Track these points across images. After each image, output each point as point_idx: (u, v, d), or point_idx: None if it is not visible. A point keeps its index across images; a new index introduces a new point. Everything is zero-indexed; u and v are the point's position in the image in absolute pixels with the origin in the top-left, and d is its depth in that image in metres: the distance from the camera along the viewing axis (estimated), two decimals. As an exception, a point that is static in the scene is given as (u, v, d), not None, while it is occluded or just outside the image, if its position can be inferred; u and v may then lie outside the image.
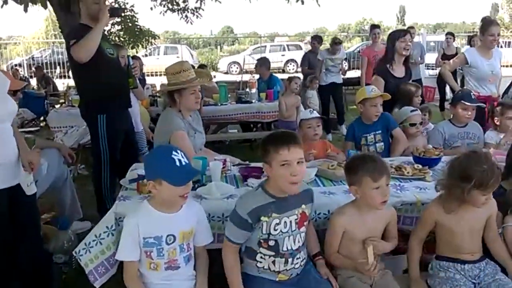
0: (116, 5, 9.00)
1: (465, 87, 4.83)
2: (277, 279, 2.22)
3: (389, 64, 4.42)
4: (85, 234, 2.55)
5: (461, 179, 2.18)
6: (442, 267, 2.35)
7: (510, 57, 14.66)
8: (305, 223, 2.24)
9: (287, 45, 23.03)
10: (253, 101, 6.44)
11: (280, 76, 8.47)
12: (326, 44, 10.84)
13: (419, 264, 2.41)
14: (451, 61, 5.15)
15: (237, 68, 20.84)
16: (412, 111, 3.89)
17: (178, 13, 9.71)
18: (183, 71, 3.29)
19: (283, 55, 21.86)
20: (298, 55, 21.79)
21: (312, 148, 3.48)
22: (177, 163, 2.05)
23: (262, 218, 2.12)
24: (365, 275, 2.28)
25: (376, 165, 2.23)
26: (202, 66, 8.62)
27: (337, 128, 8.02)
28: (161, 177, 2.05)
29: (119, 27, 9.79)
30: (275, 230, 2.15)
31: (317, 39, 8.56)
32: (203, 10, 9.57)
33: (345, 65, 7.85)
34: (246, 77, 8.19)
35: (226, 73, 21.19)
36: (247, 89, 6.60)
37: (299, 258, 2.26)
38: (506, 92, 7.77)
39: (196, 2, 9.39)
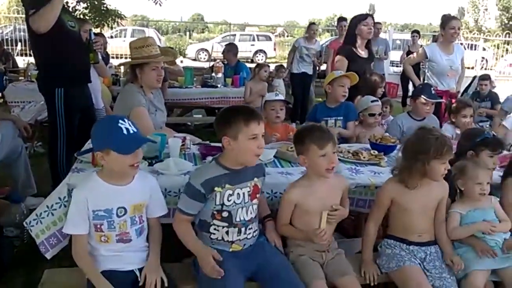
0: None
1: (425, 82, 4.96)
2: (231, 250, 2.24)
3: (352, 45, 4.50)
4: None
5: (419, 152, 2.30)
6: (389, 245, 2.44)
7: (472, 60, 15.18)
8: (257, 195, 2.27)
9: (257, 35, 23.02)
10: (219, 85, 6.41)
11: (249, 65, 8.44)
12: (296, 37, 10.85)
13: (372, 247, 2.48)
14: (412, 55, 5.27)
15: (205, 55, 20.67)
16: (372, 101, 3.95)
17: (146, -6, 9.52)
18: (147, 46, 3.24)
19: (252, 45, 21.83)
20: (268, 46, 21.89)
21: (275, 131, 3.51)
22: (124, 132, 2.01)
23: (216, 188, 2.14)
24: (317, 253, 2.33)
25: (322, 134, 2.29)
26: (169, 48, 8.48)
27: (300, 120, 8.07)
28: (109, 146, 2.01)
29: (85, 5, 9.51)
30: (228, 201, 2.17)
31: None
32: (173, -8, 9.42)
33: (320, 58, 7.89)
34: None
35: (195, 59, 20.98)
36: (213, 74, 6.56)
37: (251, 228, 2.29)
38: (465, 91, 8.06)
39: (166, -16, 9.25)
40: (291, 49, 8.17)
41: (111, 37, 17.68)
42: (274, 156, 2.97)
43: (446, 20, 4.74)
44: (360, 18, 4.48)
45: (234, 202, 2.19)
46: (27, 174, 3.75)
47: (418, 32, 10.05)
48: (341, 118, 3.80)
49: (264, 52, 21.88)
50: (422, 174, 2.33)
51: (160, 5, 9.48)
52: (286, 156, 2.98)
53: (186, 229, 2.21)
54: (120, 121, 2.04)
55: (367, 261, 2.43)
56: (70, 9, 8.79)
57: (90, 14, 9.48)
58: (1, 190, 3.80)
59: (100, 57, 4.42)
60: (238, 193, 2.20)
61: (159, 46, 3.51)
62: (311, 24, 8.08)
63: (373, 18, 4.58)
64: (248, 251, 2.27)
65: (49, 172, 3.89)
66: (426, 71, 5.07)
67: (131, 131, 2.03)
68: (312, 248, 2.34)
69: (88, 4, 9.42)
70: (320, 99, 7.90)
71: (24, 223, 2.35)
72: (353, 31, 4.51)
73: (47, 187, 3.86)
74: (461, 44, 16.18)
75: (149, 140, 2.23)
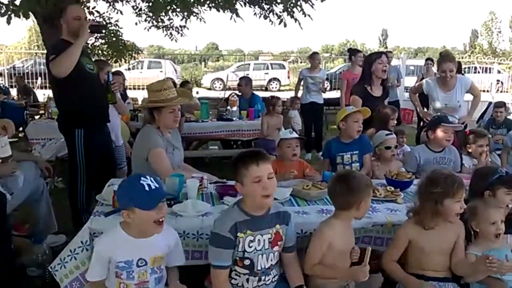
0: (101, 20, 9.01)
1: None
2: None
3: (367, 85, 4.53)
4: (59, 248, 2.57)
5: (431, 192, 2.37)
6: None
7: (487, 83, 15.13)
8: (278, 243, 2.29)
9: (271, 64, 23.28)
10: (234, 118, 6.50)
11: (263, 94, 8.54)
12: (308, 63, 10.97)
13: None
14: (413, 86, 5.23)
15: (220, 84, 20.96)
16: (387, 134, 3.97)
17: (162, 30, 9.74)
18: (164, 90, 3.35)
19: (266, 73, 22.09)
20: (281, 74, 22.12)
21: (290, 168, 3.55)
22: (146, 188, 2.08)
23: (239, 234, 2.18)
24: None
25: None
26: (185, 82, 8.65)
27: (316, 148, 8.09)
28: (132, 204, 2.08)
29: (103, 41, 9.78)
30: (249, 247, 2.21)
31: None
32: (187, 28, 9.63)
33: (327, 85, 7.91)
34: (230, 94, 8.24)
35: (210, 89, 21.28)
36: (229, 107, 6.66)
37: (271, 275, 2.32)
38: (481, 117, 8.01)
39: (181, 20, 9.45)
40: (298, 81, 8.24)
41: (129, 69, 18.03)
42: (291, 195, 3.00)
43: (439, 62, 4.68)
44: (375, 57, 4.53)
45: (255, 248, 2.22)
46: (49, 213, 3.82)
47: (431, 59, 10.05)
48: (357, 152, 3.82)
49: (278, 80, 22.09)
50: (435, 214, 2.37)
51: (176, 41, 9.70)
52: (302, 194, 3.00)
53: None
54: (142, 178, 2.12)
55: (419, 283, 2.41)
56: (89, 46, 9.05)
57: (108, 50, 9.74)
58: (22, 229, 3.88)
59: (118, 95, 4.55)
60: (259, 240, 2.22)
61: (175, 83, 3.59)
62: (314, 53, 8.12)
63: (387, 55, 4.61)
64: None
65: (69, 208, 3.98)
66: (429, 103, 5.02)
67: (153, 187, 2.10)
68: (336, 285, 2.37)
69: (106, 40, 9.68)
70: (334, 126, 7.95)
71: (49, 267, 2.42)
72: (369, 70, 4.54)
73: (67, 224, 3.95)
74: (475, 68, 16.19)
75: (168, 194, 2.30)
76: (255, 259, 2.23)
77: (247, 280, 2.26)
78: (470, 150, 4.02)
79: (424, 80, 5.00)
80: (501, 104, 6.64)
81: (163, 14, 9.17)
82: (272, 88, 21.37)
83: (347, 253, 2.38)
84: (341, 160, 3.80)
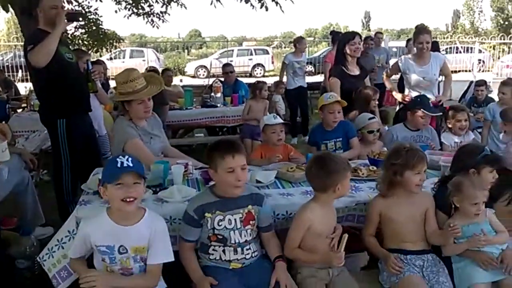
0: (79, 9, 8.89)
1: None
2: (231, 267, 2.39)
3: (343, 65, 4.58)
4: (47, 240, 2.58)
5: (392, 162, 2.51)
6: None
7: (468, 62, 15.29)
8: (251, 222, 2.40)
9: (254, 50, 23.21)
10: (218, 105, 6.51)
11: (248, 80, 8.54)
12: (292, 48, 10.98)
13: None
14: (387, 70, 5.24)
15: (204, 72, 20.84)
16: (370, 118, 4.01)
17: (143, 17, 9.66)
18: (130, 81, 3.25)
19: (250, 59, 22.00)
20: (265, 60, 22.09)
21: (275, 152, 3.57)
22: (118, 165, 2.07)
23: (206, 214, 2.32)
24: (323, 271, 2.40)
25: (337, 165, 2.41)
26: (165, 70, 8.58)
27: (302, 133, 8.14)
28: (104, 179, 2.12)
29: (83, 31, 9.66)
30: (219, 225, 2.34)
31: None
32: (169, 14, 9.57)
33: (310, 68, 7.97)
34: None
35: (194, 76, 21.14)
36: (212, 94, 6.66)
37: (250, 249, 2.42)
38: (463, 96, 8.12)
39: (162, 6, 9.39)
40: (282, 66, 8.23)
41: (110, 58, 17.87)
42: (276, 177, 3.04)
43: (416, 34, 4.73)
44: (348, 38, 4.57)
45: (225, 227, 2.35)
46: (35, 205, 3.82)
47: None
48: (340, 139, 3.83)
49: (262, 66, 22.05)
50: (396, 184, 2.51)
51: (158, 28, 9.63)
52: (287, 176, 3.05)
53: (188, 257, 2.37)
54: (120, 156, 2.13)
55: (387, 256, 2.47)
56: (69, 36, 8.93)
57: (88, 39, 9.62)
58: (10, 221, 3.87)
59: (99, 85, 4.52)
60: (229, 219, 2.35)
61: (156, 70, 3.52)
62: (301, 38, 8.12)
63: (360, 37, 4.64)
64: (248, 269, 2.39)
65: (56, 200, 3.97)
66: (405, 83, 5.06)
67: (125, 165, 2.07)
68: (319, 266, 2.41)
69: (86, 30, 9.56)
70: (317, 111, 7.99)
71: (37, 258, 2.43)
72: (342, 50, 4.60)
73: (54, 215, 3.94)
74: (457, 47, 16.34)
75: (139, 172, 2.16)
76: (227, 234, 2.36)
77: (224, 251, 2.38)
78: (450, 126, 4.09)
79: (399, 59, 5.03)
80: (482, 83, 6.74)
81: (143, 1, 9.10)
82: (257, 74, 21.32)
83: (326, 235, 2.42)
84: (325, 148, 3.82)
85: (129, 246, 2.15)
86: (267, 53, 22.90)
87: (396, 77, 5.74)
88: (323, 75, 8.30)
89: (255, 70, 21.82)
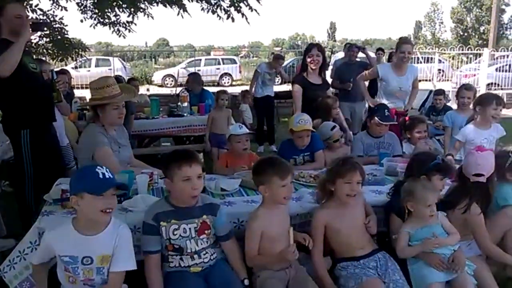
0: (44, 18, 8.74)
1: (376, 99, 5.13)
2: (191, 271, 2.44)
3: (305, 73, 4.73)
4: (8, 252, 2.54)
5: (329, 169, 2.70)
6: (343, 267, 2.62)
7: (429, 72, 15.78)
8: (206, 232, 2.45)
9: (222, 59, 23.27)
10: (185, 114, 6.52)
11: (216, 89, 8.57)
12: (261, 58, 11.10)
13: (326, 271, 2.64)
14: (365, 72, 5.38)
15: (172, 81, 20.73)
16: (332, 128, 4.12)
17: (109, 27, 9.56)
18: (107, 87, 3.32)
19: (218, 69, 22.06)
20: (233, 69, 22.18)
21: (240, 161, 3.64)
22: (100, 175, 2.10)
23: (162, 223, 2.36)
24: (282, 272, 2.48)
25: (283, 166, 2.51)
26: (131, 79, 8.55)
27: (268, 141, 8.23)
28: (83, 189, 2.09)
29: (47, 40, 9.48)
30: (174, 234, 2.39)
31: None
32: (135, 24, 9.50)
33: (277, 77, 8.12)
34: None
35: (161, 86, 21.01)
36: (179, 103, 6.67)
37: (207, 253, 2.47)
38: (422, 105, 8.39)
39: (128, 16, 9.32)
40: (254, 75, 8.35)
41: (76, 67, 17.57)
42: (240, 186, 3.10)
43: (399, 43, 4.97)
44: (307, 50, 4.75)
45: (180, 235, 2.39)
46: (-4, 216, 3.74)
47: (382, 49, 10.33)
48: (308, 153, 3.89)
49: (230, 75, 22.13)
50: (330, 193, 2.64)
51: (124, 37, 9.55)
52: (251, 184, 3.10)
53: (153, 277, 2.36)
54: (99, 167, 2.15)
55: (331, 285, 2.56)
56: (33, 45, 8.76)
57: (53, 49, 9.45)
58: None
59: (62, 95, 4.46)
60: (184, 228, 2.40)
61: (122, 79, 3.54)
62: (280, 58, 8.29)
63: (318, 48, 4.76)
64: (209, 270, 2.46)
65: (18, 211, 3.90)
66: (379, 89, 5.26)
67: (107, 176, 2.12)
68: (277, 267, 2.49)
69: (51, 39, 9.40)
70: (285, 119, 8.12)
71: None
72: (304, 61, 4.78)
73: (16, 227, 3.87)
74: (418, 58, 16.84)
75: (121, 183, 2.28)
76: (183, 244, 2.41)
77: (181, 259, 2.43)
78: (409, 136, 4.24)
79: (377, 66, 5.26)
80: (440, 92, 6.99)
81: (109, 10, 9.03)
82: (224, 83, 21.37)
83: (282, 237, 2.48)
84: (294, 162, 3.85)
85: (94, 256, 2.16)
86: (235, 62, 23.00)
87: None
88: (290, 84, 8.44)
89: (223, 80, 21.87)
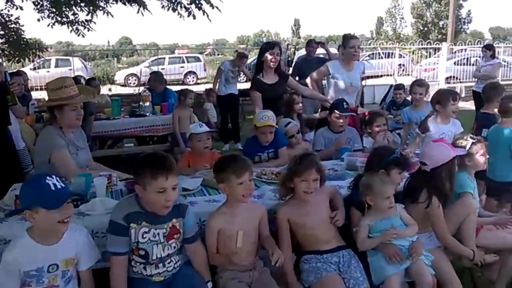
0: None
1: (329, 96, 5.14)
2: (153, 280, 2.36)
3: (260, 75, 4.65)
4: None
5: (287, 171, 2.73)
6: (306, 260, 2.65)
7: (390, 67, 16.10)
8: (175, 236, 2.37)
9: (186, 57, 23.05)
10: (147, 114, 6.43)
11: (180, 88, 8.49)
12: (227, 56, 11.08)
13: (293, 269, 2.65)
14: (315, 72, 5.31)
15: (135, 80, 20.39)
16: (286, 124, 4.14)
17: (67, 26, 9.32)
18: (65, 87, 3.24)
19: (182, 67, 21.83)
20: (197, 67, 22.01)
21: (202, 160, 3.61)
22: (52, 187, 2.04)
23: (132, 224, 2.25)
24: (244, 274, 2.47)
25: (240, 163, 2.47)
26: (90, 79, 8.36)
27: (234, 139, 8.23)
28: (36, 203, 2.02)
29: (3, 40, 9.17)
30: (143, 238, 2.28)
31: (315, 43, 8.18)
32: (94, 23, 9.30)
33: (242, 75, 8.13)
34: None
35: (124, 85, 20.66)
36: (141, 103, 6.57)
37: (171, 261, 2.40)
38: (383, 100, 8.56)
39: (87, 14, 9.10)
40: (217, 73, 8.32)
41: (34, 68, 17.08)
42: (202, 185, 3.08)
43: (346, 39, 4.96)
44: (267, 48, 4.62)
45: (149, 239, 2.30)
46: None
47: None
48: (272, 150, 3.87)
49: (195, 73, 21.96)
50: (290, 189, 2.67)
51: (83, 36, 9.33)
52: (213, 183, 3.07)
53: (117, 278, 2.27)
54: (48, 178, 2.07)
55: (292, 284, 2.58)
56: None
57: (8, 50, 9.15)
58: None
59: (16, 98, 4.33)
60: (154, 233, 2.30)
61: (81, 79, 3.46)
62: (244, 56, 8.26)
63: (279, 47, 4.72)
64: (171, 279, 2.40)
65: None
66: (327, 86, 5.20)
67: (59, 186, 2.06)
68: (239, 270, 2.48)
69: (7, 39, 9.09)
70: (250, 116, 8.12)
71: None
72: (260, 60, 4.64)
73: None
74: (379, 53, 17.16)
75: (75, 193, 2.25)
76: (150, 249, 2.31)
77: (144, 268, 2.35)
78: (369, 131, 4.31)
79: (327, 63, 5.17)
80: (400, 87, 7.14)
81: (67, 9, 8.80)
82: (189, 81, 21.17)
83: (244, 236, 2.46)
84: (259, 159, 3.83)
85: (59, 261, 2.14)
86: (199, 60, 22.84)
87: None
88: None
89: (188, 78, 21.66)
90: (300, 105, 4.71)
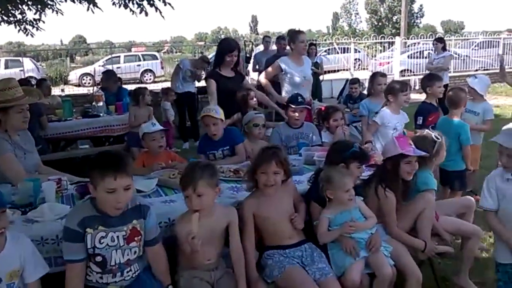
0: None
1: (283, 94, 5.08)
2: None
3: (218, 68, 4.64)
4: None
5: (251, 164, 2.77)
6: (269, 256, 2.63)
7: (346, 62, 16.36)
8: (136, 239, 2.27)
9: (142, 55, 22.62)
10: (101, 114, 6.24)
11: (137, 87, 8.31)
12: (185, 53, 10.88)
13: (255, 265, 2.61)
14: (267, 69, 5.28)
15: (90, 80, 19.85)
16: (256, 113, 4.12)
17: (14, 25, 8.94)
18: (9, 89, 3.10)
19: (138, 65, 21.41)
20: (154, 65, 21.66)
21: (157, 160, 3.51)
22: None
23: (88, 229, 2.14)
24: (206, 273, 2.43)
25: (185, 177, 2.43)
26: (41, 80, 8.02)
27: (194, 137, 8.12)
28: None
29: None
30: (100, 243, 2.17)
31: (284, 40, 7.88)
32: (43, 22, 8.96)
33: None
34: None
35: (78, 85, 20.07)
36: (94, 103, 6.37)
37: (130, 271, 2.30)
38: (340, 94, 8.66)
39: (35, 13, 8.75)
40: (175, 70, 8.20)
41: (-19, 70, 16.37)
42: (157, 185, 3.00)
43: (294, 35, 4.99)
44: (226, 50, 4.59)
45: (107, 244, 2.19)
46: None
47: (314, 44, 10.39)
48: (228, 147, 3.77)
49: (152, 72, 21.61)
50: (254, 181, 2.66)
51: (32, 36, 8.98)
52: (169, 183, 3.02)
53: (75, 284, 2.17)
54: None
55: (254, 280, 2.54)
56: None
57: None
58: None
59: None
60: (112, 237, 2.19)
61: (33, 78, 3.27)
62: (207, 62, 8.16)
63: (239, 49, 4.72)
64: (128, 287, 2.30)
65: None
66: (281, 83, 5.17)
67: None
68: (201, 269, 2.43)
69: None
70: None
71: None
72: (221, 57, 4.61)
73: None
74: (335, 49, 17.40)
75: (9, 203, 2.17)
76: (108, 255, 2.20)
77: (101, 277, 2.24)
78: (327, 126, 4.33)
79: (277, 61, 5.15)
80: (355, 81, 7.23)
81: (13, 8, 8.45)
82: (146, 80, 20.83)
83: (205, 239, 2.39)
84: (214, 157, 3.74)
85: (3, 274, 2.02)
86: (156, 58, 22.48)
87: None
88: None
89: (145, 76, 21.30)
90: (255, 100, 4.68)
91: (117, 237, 2.20)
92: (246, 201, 2.69)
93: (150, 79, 21.11)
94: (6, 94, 3.08)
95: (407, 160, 2.82)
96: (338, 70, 15.65)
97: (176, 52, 34.50)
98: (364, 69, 16.93)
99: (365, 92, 7.55)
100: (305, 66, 5.07)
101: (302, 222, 2.71)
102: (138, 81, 19.84)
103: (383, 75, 5.31)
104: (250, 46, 13.69)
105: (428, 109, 4.50)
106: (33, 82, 8.40)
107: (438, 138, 3.18)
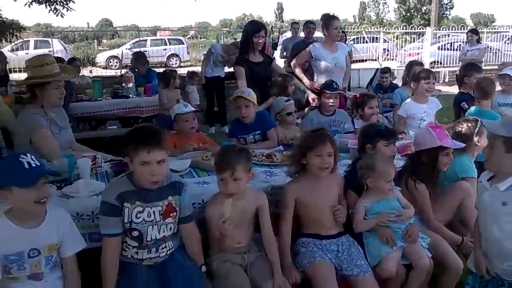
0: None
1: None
2: (144, 264, 2.27)
3: (245, 54, 4.57)
4: None
5: (297, 144, 2.67)
6: (303, 243, 2.57)
7: (375, 52, 16.10)
8: (171, 214, 2.27)
9: (169, 40, 22.67)
10: (131, 95, 6.26)
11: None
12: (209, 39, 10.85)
13: (289, 250, 2.56)
14: (297, 57, 5.17)
15: (117, 62, 19.99)
16: (286, 101, 4.03)
17: (45, 5, 9.02)
18: (47, 65, 3.10)
19: (164, 50, 21.48)
20: (180, 50, 21.68)
21: (189, 141, 3.49)
22: (26, 166, 1.95)
23: (125, 204, 2.15)
24: (238, 256, 2.40)
25: (222, 160, 2.39)
26: (72, 60, 8.12)
27: (220, 122, 8.10)
28: (10, 182, 1.94)
29: (-22, 20, 8.87)
30: (137, 218, 2.18)
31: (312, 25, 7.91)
32: (73, 2, 9.02)
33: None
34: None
35: (106, 68, 20.23)
36: (124, 84, 6.39)
37: (165, 247, 2.30)
38: (370, 83, 8.51)
39: (66, -7, 8.83)
40: (206, 54, 8.16)
41: (13, 50, 16.64)
42: (190, 166, 2.97)
43: (329, 20, 4.86)
44: (253, 31, 4.52)
45: (144, 220, 2.20)
46: None
47: (343, 31, 10.27)
48: (259, 132, 3.72)
49: (178, 56, 21.64)
50: (305, 168, 2.56)
51: (62, 16, 9.04)
52: (203, 165, 2.99)
53: (113, 261, 2.19)
54: (22, 156, 1.98)
55: (288, 266, 2.49)
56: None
57: (-16, 29, 8.85)
58: None
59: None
60: (148, 212, 2.20)
61: (63, 60, 3.30)
62: (238, 47, 8.10)
63: (265, 30, 4.66)
64: (162, 264, 2.30)
65: None
66: (314, 71, 5.08)
67: (33, 165, 1.97)
68: (232, 252, 2.41)
69: (-18, 19, 8.78)
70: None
71: None
72: (247, 41, 4.55)
73: None
74: (364, 38, 17.11)
75: (50, 171, 2.17)
76: (144, 230, 2.21)
77: (136, 252, 2.25)
78: (361, 113, 4.25)
79: (308, 47, 5.06)
80: (386, 70, 7.09)
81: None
82: (172, 64, 20.84)
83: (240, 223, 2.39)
84: (245, 141, 3.69)
85: (42, 246, 2.05)
86: (182, 43, 22.48)
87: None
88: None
89: (171, 61, 21.34)
90: (294, 87, 4.61)
91: (153, 212, 2.21)
92: (289, 185, 2.61)
93: (176, 63, 21.14)
94: (44, 70, 3.08)
95: (446, 152, 2.73)
96: (365, 60, 15.42)
97: (200, 38, 34.44)
98: (392, 59, 16.61)
99: (395, 82, 7.43)
100: (338, 53, 4.90)
101: (345, 216, 2.62)
102: (164, 65, 19.89)
103: (420, 63, 5.19)
104: (277, 33, 13.58)
105: (468, 98, 4.37)
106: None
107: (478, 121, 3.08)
